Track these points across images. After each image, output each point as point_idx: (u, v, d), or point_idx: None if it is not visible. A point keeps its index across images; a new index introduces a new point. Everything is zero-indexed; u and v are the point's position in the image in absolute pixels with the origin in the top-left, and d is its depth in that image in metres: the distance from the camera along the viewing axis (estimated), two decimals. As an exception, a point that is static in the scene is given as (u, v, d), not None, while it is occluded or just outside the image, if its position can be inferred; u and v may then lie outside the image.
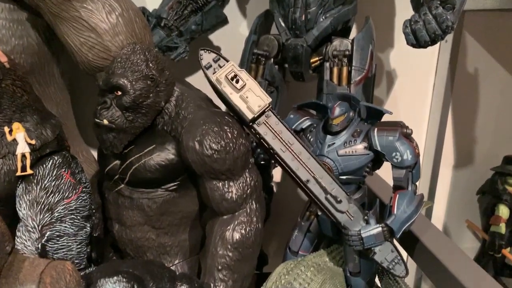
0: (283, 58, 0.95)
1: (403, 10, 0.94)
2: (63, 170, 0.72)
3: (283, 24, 0.90)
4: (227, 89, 0.71)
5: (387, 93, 1.20)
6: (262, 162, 0.91)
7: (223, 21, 0.99)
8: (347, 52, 0.88)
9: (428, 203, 1.14)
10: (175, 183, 0.75)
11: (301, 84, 0.99)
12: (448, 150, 1.24)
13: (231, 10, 1.05)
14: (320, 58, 0.92)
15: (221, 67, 0.74)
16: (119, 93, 0.71)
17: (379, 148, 0.73)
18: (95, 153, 0.94)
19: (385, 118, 0.78)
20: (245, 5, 1.10)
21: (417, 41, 0.73)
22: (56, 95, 0.92)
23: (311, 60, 0.93)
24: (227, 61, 0.74)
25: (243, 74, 0.72)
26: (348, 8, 0.88)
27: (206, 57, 0.74)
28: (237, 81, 0.71)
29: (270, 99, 0.72)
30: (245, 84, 0.71)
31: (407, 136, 0.73)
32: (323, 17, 0.88)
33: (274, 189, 1.11)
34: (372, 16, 0.95)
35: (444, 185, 1.27)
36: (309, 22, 0.87)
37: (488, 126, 1.23)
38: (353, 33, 1.02)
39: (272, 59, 0.95)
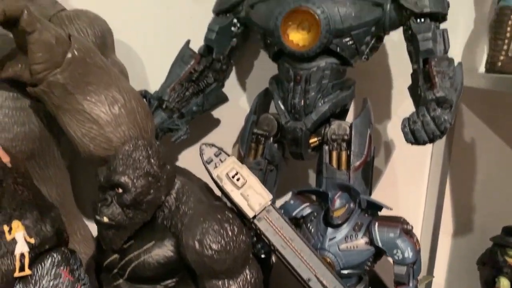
0: (282, 137, 0.96)
1: (402, 91, 0.96)
2: (62, 267, 0.71)
3: (282, 107, 0.92)
4: (228, 186, 0.72)
5: (385, 162, 1.21)
6: (263, 256, 0.91)
7: (223, 100, 1.01)
8: (345, 137, 0.89)
9: (428, 278, 1.13)
10: (174, 279, 0.74)
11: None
12: (447, 219, 1.24)
13: (231, 85, 1.07)
14: (319, 138, 0.93)
15: (222, 161, 0.74)
16: (120, 190, 0.71)
17: (380, 244, 0.73)
18: (93, 229, 0.93)
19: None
20: (244, 80, 1.12)
21: (416, 140, 0.75)
22: (56, 176, 0.92)
23: (310, 141, 0.93)
24: (228, 155, 0.75)
25: (244, 171, 0.73)
26: (346, 94, 0.90)
27: (207, 152, 0.75)
28: (238, 179, 0.72)
29: (271, 196, 0.72)
30: (246, 182, 0.72)
31: (408, 232, 0.74)
32: (322, 102, 0.89)
33: (273, 259, 1.10)
34: (369, 94, 0.96)
35: (443, 254, 1.26)
36: (308, 107, 0.88)
37: (486, 195, 1.23)
38: (351, 112, 1.04)
39: (271, 138, 0.96)
